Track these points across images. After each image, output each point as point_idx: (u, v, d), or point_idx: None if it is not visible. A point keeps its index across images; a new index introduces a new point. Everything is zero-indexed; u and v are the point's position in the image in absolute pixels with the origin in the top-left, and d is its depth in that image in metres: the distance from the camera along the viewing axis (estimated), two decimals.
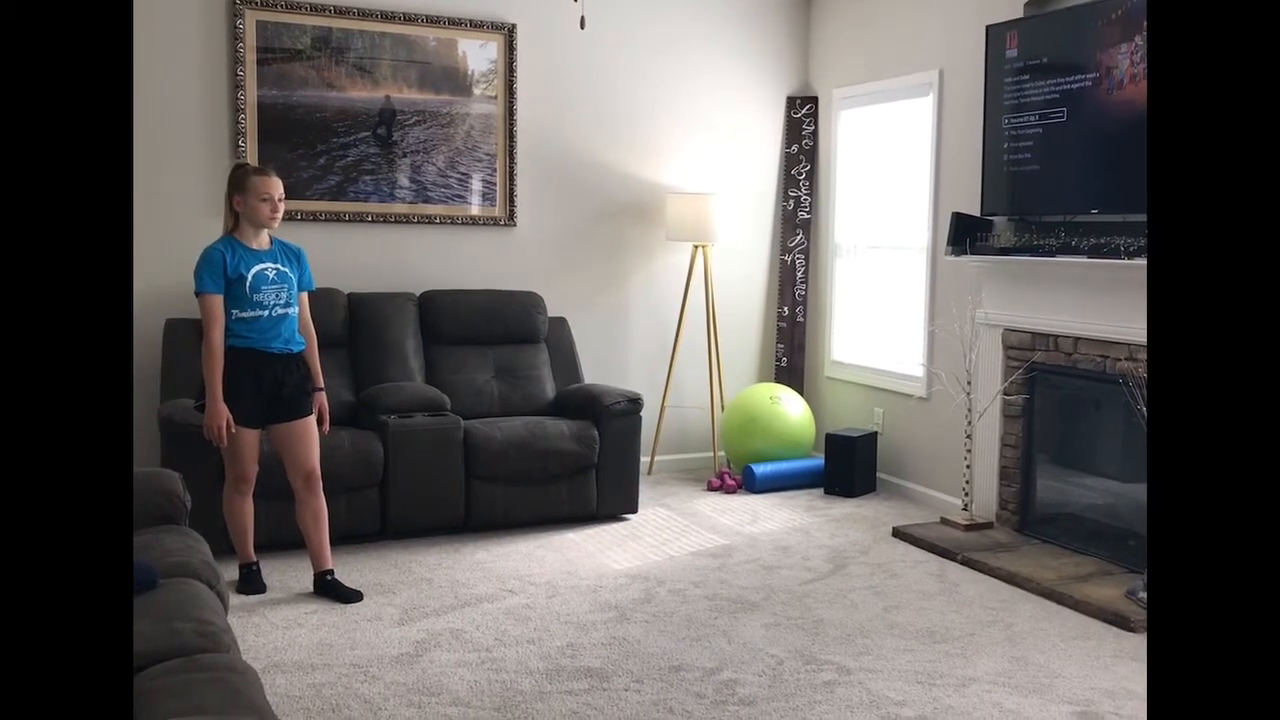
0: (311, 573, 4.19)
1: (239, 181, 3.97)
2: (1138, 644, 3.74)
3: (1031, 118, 4.77)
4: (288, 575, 4.32)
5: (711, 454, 6.18)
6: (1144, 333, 4.31)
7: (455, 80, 5.63)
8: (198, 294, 3.90)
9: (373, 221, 5.50)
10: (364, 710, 3.16)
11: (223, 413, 3.89)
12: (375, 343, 5.22)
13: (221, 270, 3.90)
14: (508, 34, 5.68)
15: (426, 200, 5.63)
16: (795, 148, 6.36)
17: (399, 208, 5.57)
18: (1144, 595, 3.97)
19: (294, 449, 4.08)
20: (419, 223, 5.60)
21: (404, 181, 5.57)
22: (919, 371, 5.60)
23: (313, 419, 4.11)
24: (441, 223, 5.65)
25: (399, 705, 3.20)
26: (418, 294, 5.47)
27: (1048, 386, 4.88)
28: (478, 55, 5.67)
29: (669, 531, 5.07)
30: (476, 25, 5.62)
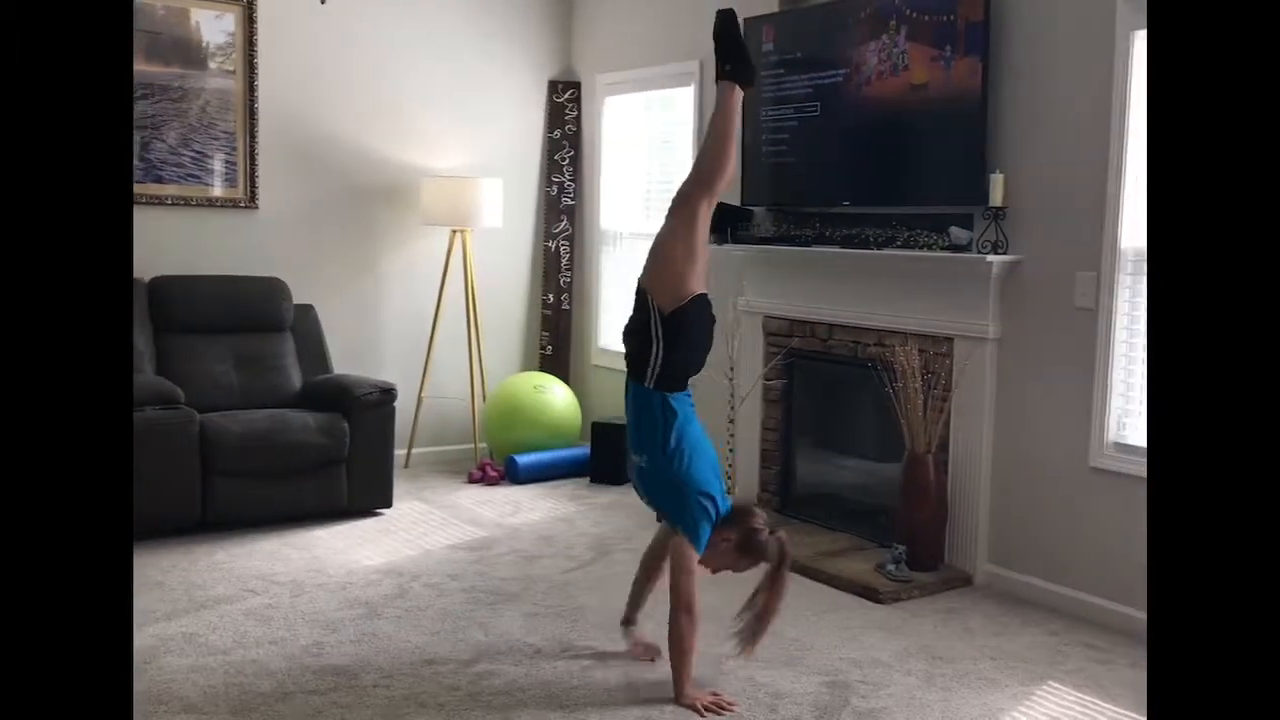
0: None
1: None
2: (885, 615, 3.85)
3: (788, 111, 4.85)
4: None
5: (473, 445, 6.01)
6: (891, 319, 4.46)
7: (188, 53, 5.23)
8: None
9: None
10: None
11: None
12: None
13: None
14: (247, 6, 5.33)
15: (158, 180, 5.21)
16: (558, 133, 6.28)
17: None
18: (892, 568, 4.10)
19: None
20: (148, 203, 5.17)
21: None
22: None
23: None
24: (174, 204, 5.24)
25: None
26: (146, 280, 5.05)
27: (805, 372, 4.98)
28: (213, 27, 5.29)
29: (426, 525, 4.88)
30: None
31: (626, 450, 5.52)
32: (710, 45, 5.03)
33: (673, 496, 3.18)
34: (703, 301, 3.23)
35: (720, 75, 3.33)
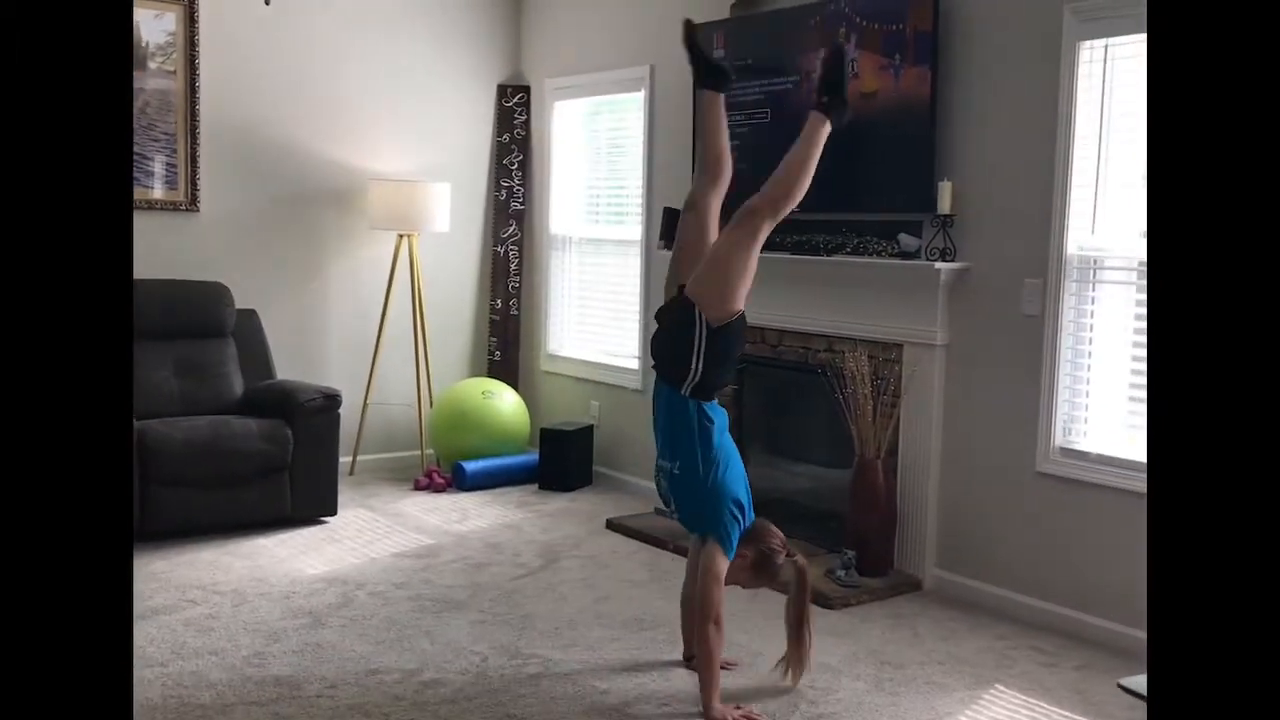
0: None
1: None
2: (835, 620, 3.86)
3: (738, 117, 4.84)
4: None
5: (419, 452, 5.94)
6: (841, 325, 4.46)
7: None
8: None
9: None
10: None
11: None
12: None
13: None
14: (188, 5, 5.23)
15: None
16: (507, 136, 6.23)
17: None
18: (842, 574, 4.10)
19: None
20: None
21: None
22: (634, 364, 5.60)
23: None
24: None
25: None
26: None
27: (755, 377, 4.98)
28: (153, 26, 5.18)
29: (371, 533, 4.80)
30: None
31: (574, 456, 5.58)
32: (661, 50, 4.99)
33: (705, 504, 3.16)
34: (743, 319, 3.25)
35: (816, 105, 3.28)
